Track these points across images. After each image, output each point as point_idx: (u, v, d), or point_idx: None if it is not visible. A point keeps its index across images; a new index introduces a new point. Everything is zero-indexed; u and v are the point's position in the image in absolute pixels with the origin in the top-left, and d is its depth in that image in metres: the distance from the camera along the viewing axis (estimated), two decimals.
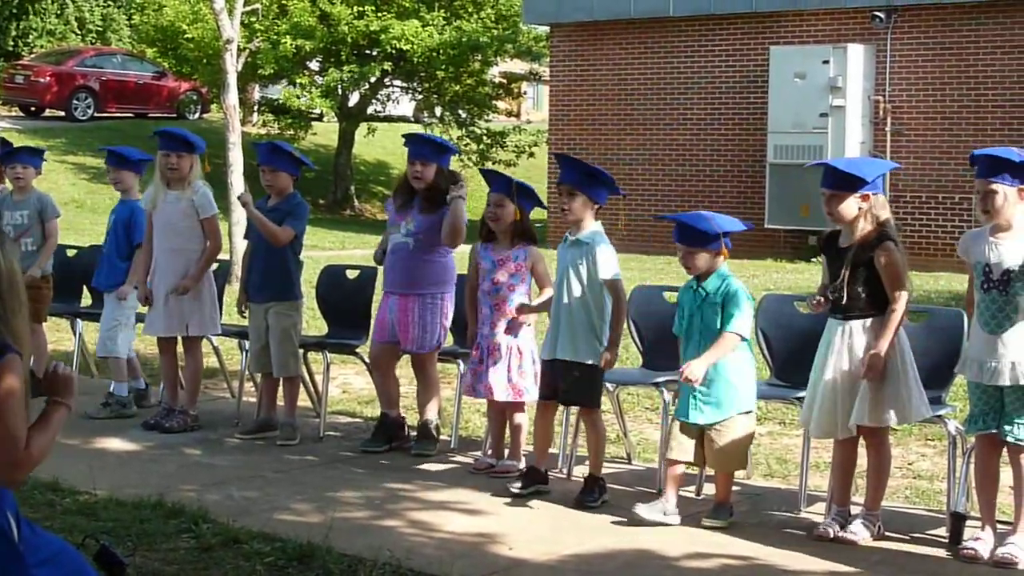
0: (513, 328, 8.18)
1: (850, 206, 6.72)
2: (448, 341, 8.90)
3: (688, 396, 7.13)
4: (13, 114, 34.93)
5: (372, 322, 9.14)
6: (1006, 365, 6.35)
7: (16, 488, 4.13)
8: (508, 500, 7.55)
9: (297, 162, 9.26)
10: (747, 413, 7.16)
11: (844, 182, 6.74)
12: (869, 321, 6.71)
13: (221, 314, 9.97)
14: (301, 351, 9.31)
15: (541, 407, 7.90)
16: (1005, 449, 6.51)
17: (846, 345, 6.74)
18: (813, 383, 6.90)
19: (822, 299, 6.78)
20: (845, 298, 6.69)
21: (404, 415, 9.06)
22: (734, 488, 7.35)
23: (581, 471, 7.84)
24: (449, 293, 8.77)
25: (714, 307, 7.07)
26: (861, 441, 6.92)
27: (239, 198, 9.59)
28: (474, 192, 33.95)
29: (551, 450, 8.14)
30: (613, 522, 7.15)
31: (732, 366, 7.08)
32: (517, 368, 8.15)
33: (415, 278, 8.67)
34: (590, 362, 7.55)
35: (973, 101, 20.87)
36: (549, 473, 7.90)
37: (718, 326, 7.06)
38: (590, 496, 7.48)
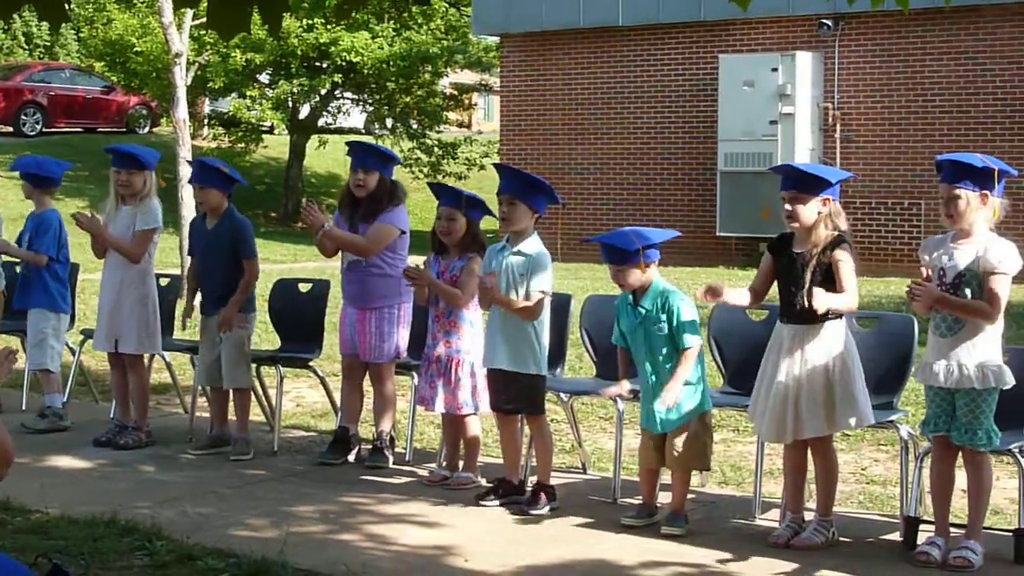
0: (452, 340, 8.17)
1: (811, 209, 6.73)
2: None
3: (649, 406, 7.15)
4: None
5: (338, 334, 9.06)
6: (953, 368, 6.41)
7: None
8: (463, 512, 7.55)
9: (228, 179, 9.11)
10: (703, 412, 7.17)
11: (805, 184, 6.77)
12: (822, 326, 6.72)
13: (172, 330, 9.90)
14: (254, 365, 9.27)
15: (500, 420, 7.90)
16: (960, 453, 6.56)
17: (800, 349, 6.75)
18: (762, 388, 6.91)
19: (713, 290, 6.78)
20: (806, 304, 6.67)
21: (358, 432, 9.04)
22: (689, 496, 7.36)
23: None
24: (407, 303, 8.76)
25: (657, 324, 7.09)
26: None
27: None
28: (422, 204, 33.77)
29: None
30: (569, 532, 7.16)
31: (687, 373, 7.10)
32: (456, 381, 8.13)
33: (378, 291, 8.67)
34: (533, 371, 7.59)
35: (921, 107, 21.04)
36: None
37: (665, 341, 7.08)
38: (536, 505, 7.49)
